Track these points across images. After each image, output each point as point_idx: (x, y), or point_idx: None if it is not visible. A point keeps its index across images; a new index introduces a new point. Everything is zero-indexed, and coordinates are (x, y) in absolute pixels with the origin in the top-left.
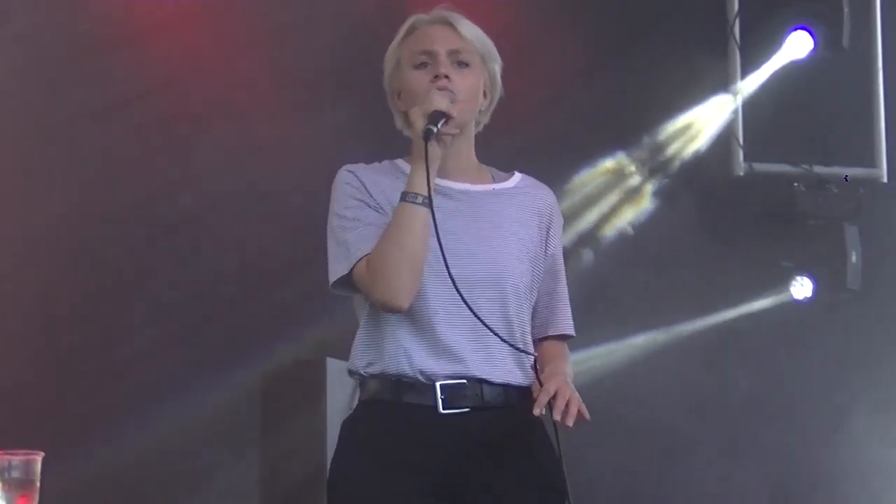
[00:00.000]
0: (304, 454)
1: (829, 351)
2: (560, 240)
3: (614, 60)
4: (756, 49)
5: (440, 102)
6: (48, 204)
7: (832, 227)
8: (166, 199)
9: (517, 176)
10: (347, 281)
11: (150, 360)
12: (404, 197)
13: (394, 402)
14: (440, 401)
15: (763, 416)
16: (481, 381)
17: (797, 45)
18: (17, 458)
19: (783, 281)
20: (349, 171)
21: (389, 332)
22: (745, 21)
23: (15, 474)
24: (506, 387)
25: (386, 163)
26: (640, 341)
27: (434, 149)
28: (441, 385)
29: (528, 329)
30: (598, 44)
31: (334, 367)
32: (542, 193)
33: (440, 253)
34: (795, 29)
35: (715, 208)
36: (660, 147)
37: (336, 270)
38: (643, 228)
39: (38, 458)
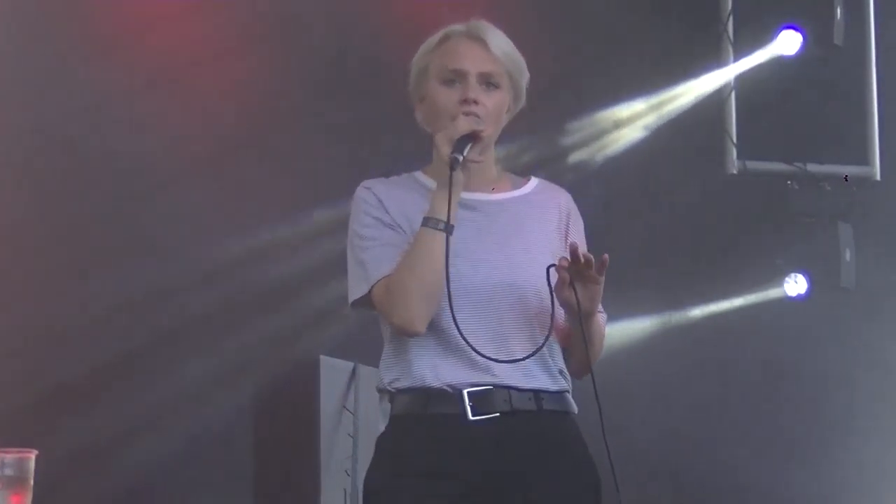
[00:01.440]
0: (297, 451)
1: (825, 347)
2: (581, 236)
3: (610, 56)
4: (749, 46)
5: (466, 126)
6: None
7: (825, 224)
8: (160, 199)
9: (533, 181)
10: (366, 301)
11: (143, 360)
12: (426, 222)
13: (423, 415)
14: (469, 408)
15: (759, 411)
16: (509, 388)
17: (791, 42)
18: (10, 456)
19: (776, 278)
20: (366, 187)
21: (414, 346)
22: (738, 18)
23: (8, 472)
24: (535, 392)
25: (405, 176)
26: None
27: (458, 175)
28: (468, 392)
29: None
30: (593, 41)
31: (327, 365)
32: (558, 195)
33: (453, 265)
34: (787, 27)
35: (708, 206)
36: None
37: (355, 291)
38: (636, 226)
39: (32, 457)
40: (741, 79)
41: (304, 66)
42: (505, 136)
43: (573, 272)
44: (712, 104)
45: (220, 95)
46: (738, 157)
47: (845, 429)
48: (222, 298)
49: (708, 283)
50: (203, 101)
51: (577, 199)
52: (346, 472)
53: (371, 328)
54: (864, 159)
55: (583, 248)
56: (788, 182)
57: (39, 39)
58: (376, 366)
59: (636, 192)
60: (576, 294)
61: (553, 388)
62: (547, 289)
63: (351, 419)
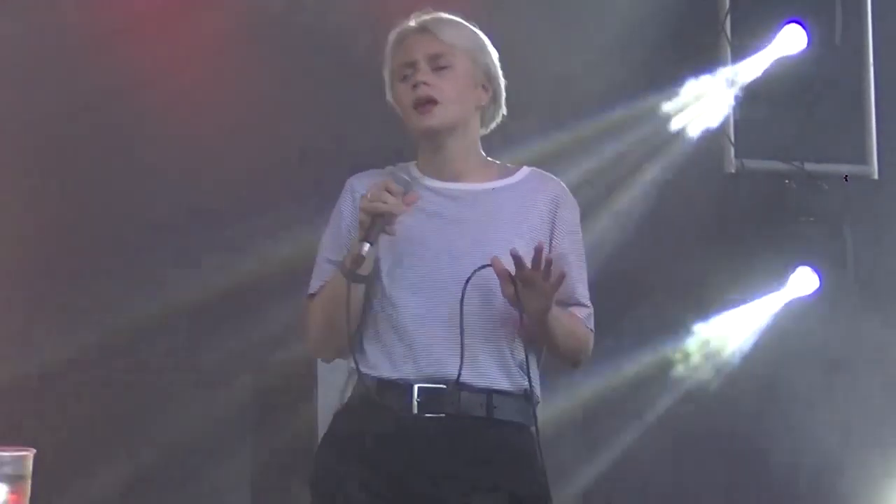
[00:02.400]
0: (295, 452)
1: (829, 346)
2: (572, 227)
3: (607, 55)
4: (747, 44)
5: (374, 208)
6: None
7: (825, 223)
8: (157, 197)
9: (524, 170)
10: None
11: (140, 359)
12: (347, 274)
13: (375, 402)
14: (415, 404)
15: (765, 412)
16: (461, 385)
17: (789, 40)
18: (8, 455)
19: (776, 277)
20: (349, 190)
21: (373, 335)
22: (737, 15)
23: (6, 470)
24: (487, 393)
25: (400, 166)
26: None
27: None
28: (419, 388)
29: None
30: (590, 40)
31: (324, 366)
32: (547, 185)
33: (413, 259)
34: (788, 23)
35: (706, 205)
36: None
37: (310, 286)
38: (634, 226)
39: (30, 455)
40: (739, 78)
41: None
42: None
43: (518, 275)
44: (710, 102)
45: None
46: (736, 155)
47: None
48: (220, 297)
49: (707, 282)
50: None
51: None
52: None
53: None
54: (862, 158)
55: (567, 239)
56: (786, 181)
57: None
58: None
59: (633, 191)
60: (517, 293)
61: (508, 387)
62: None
63: None
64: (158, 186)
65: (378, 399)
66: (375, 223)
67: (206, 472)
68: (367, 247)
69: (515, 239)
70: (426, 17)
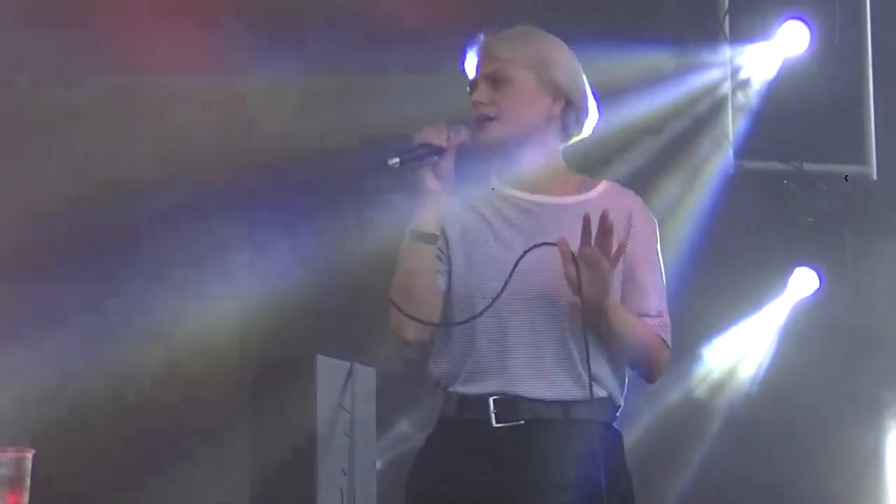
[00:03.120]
0: (294, 451)
1: (831, 345)
2: (646, 240)
3: (606, 51)
4: (746, 44)
5: (422, 135)
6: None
7: (824, 224)
8: (153, 199)
9: (603, 185)
10: None
11: (139, 359)
12: (408, 233)
13: (456, 418)
14: (493, 415)
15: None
16: (533, 399)
17: (789, 39)
18: (7, 456)
19: (776, 278)
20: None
21: (448, 351)
22: (736, 15)
23: (4, 471)
24: (562, 403)
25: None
26: None
27: (429, 182)
28: (494, 400)
29: (596, 342)
30: (588, 37)
31: (324, 364)
32: (623, 200)
33: (489, 270)
34: (788, 19)
35: (705, 206)
36: None
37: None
38: None
39: (29, 456)
40: (738, 78)
41: None
42: None
43: (580, 255)
44: (708, 103)
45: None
46: (735, 156)
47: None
48: (219, 295)
49: (707, 283)
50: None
51: None
52: (342, 471)
53: (367, 327)
54: (861, 158)
55: (640, 249)
56: (785, 181)
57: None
58: (373, 365)
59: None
60: (578, 273)
61: (583, 398)
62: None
63: (348, 418)
64: (153, 186)
65: (458, 415)
66: (419, 148)
67: (205, 471)
68: (397, 159)
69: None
70: (484, 36)
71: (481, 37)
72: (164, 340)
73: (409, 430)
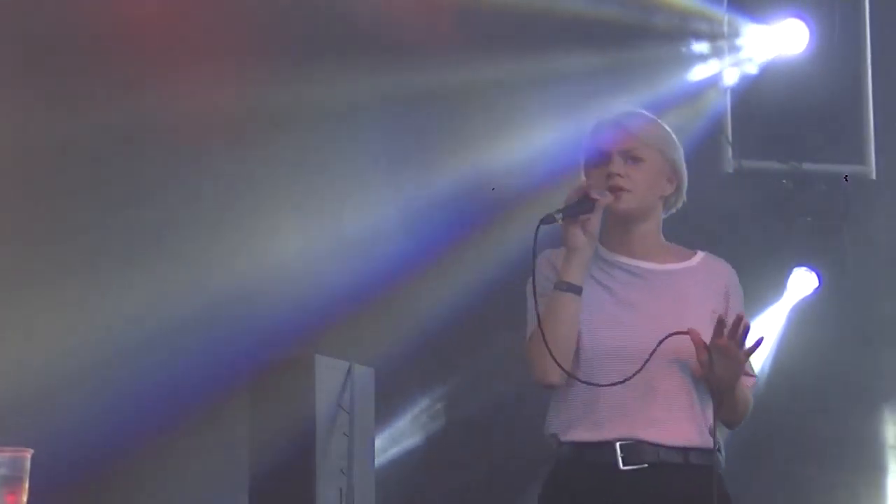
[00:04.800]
0: (293, 451)
1: (831, 345)
2: (740, 308)
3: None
4: (745, 42)
5: (580, 189)
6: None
7: (823, 224)
8: (154, 198)
9: (699, 255)
10: None
11: (137, 358)
12: (556, 285)
13: (577, 462)
14: (619, 458)
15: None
16: (656, 445)
17: (788, 38)
18: (5, 455)
19: (775, 278)
20: (546, 258)
21: (569, 401)
22: (735, 14)
23: (3, 471)
24: (683, 449)
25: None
26: None
27: (577, 237)
28: (620, 444)
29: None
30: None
31: (322, 364)
32: (720, 269)
33: (609, 330)
34: (787, 17)
35: (703, 205)
36: None
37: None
38: None
39: (27, 456)
40: (737, 77)
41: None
42: None
43: (714, 343)
44: (707, 102)
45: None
46: (734, 155)
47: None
48: (217, 296)
49: None
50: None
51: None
52: (341, 471)
53: (366, 327)
54: (860, 158)
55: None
56: (783, 181)
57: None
58: (371, 365)
59: None
60: (710, 360)
61: (703, 445)
62: (695, 357)
63: (346, 418)
64: (158, 183)
65: (580, 459)
66: (580, 203)
67: (204, 468)
68: (560, 215)
69: (703, 319)
70: (621, 114)
71: (619, 112)
72: (165, 340)
73: (408, 430)
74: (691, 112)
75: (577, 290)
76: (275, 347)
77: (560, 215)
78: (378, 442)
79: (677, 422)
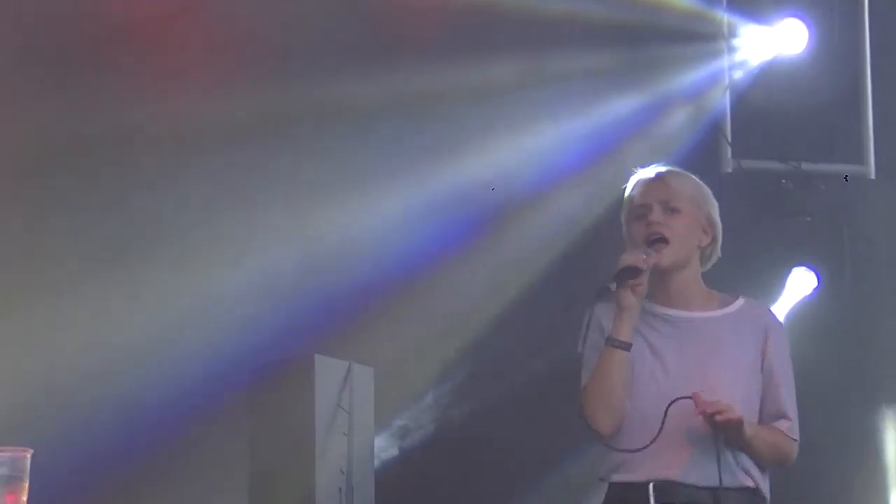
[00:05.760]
0: (293, 450)
1: (830, 344)
2: (781, 351)
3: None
4: (745, 42)
5: (626, 259)
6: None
7: (822, 223)
8: (153, 197)
9: (740, 300)
10: None
11: (139, 358)
12: (608, 341)
13: (622, 501)
14: (652, 498)
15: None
16: (687, 485)
17: (788, 37)
18: (5, 455)
19: (774, 278)
20: (595, 315)
21: (616, 444)
22: (735, 14)
23: (3, 471)
24: (713, 490)
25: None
26: None
27: (629, 299)
28: (653, 484)
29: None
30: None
31: (322, 364)
32: (759, 313)
33: (648, 378)
34: (786, 17)
35: None
36: None
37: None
38: None
39: (27, 455)
40: (736, 76)
41: None
42: None
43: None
44: (706, 103)
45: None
46: (733, 155)
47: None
48: (218, 296)
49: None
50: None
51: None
52: (340, 470)
53: (365, 327)
54: (859, 158)
55: (776, 362)
56: (783, 181)
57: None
58: (370, 364)
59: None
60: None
61: (731, 484)
62: (741, 404)
63: (346, 418)
64: (153, 183)
65: (623, 497)
66: (629, 270)
67: (204, 468)
68: (615, 285)
69: (738, 365)
70: (659, 168)
71: (657, 168)
72: (166, 341)
73: (407, 430)
74: (691, 112)
75: (628, 347)
76: (274, 347)
77: (614, 285)
78: (377, 442)
79: (707, 463)
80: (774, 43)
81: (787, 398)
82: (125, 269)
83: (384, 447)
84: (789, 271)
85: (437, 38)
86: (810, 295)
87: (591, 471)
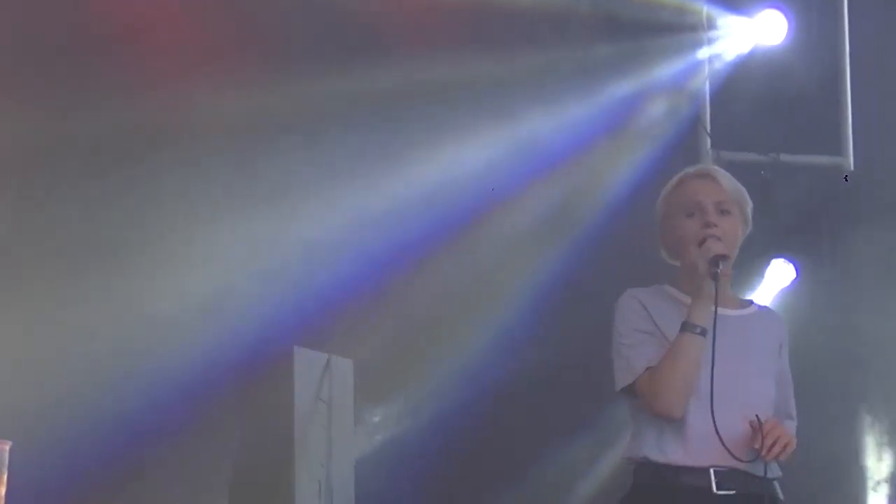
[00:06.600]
0: (272, 443)
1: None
2: (787, 356)
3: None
4: (725, 34)
5: (718, 247)
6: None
7: (801, 215)
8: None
9: (755, 303)
10: (631, 389)
11: (118, 352)
12: (686, 327)
13: (672, 486)
14: (714, 483)
15: None
16: (744, 472)
17: (767, 29)
18: None
19: (753, 269)
20: (632, 296)
21: (669, 430)
22: (715, 6)
23: None
24: (762, 479)
25: (656, 288)
26: None
27: (711, 286)
28: (714, 470)
29: None
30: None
31: (301, 356)
32: (775, 321)
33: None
34: (766, 8)
35: None
36: None
37: (621, 380)
38: (611, 219)
39: (6, 448)
40: (715, 68)
41: None
42: None
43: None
44: (686, 94)
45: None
46: (712, 146)
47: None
48: (198, 289)
49: None
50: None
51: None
52: (320, 463)
53: (345, 320)
54: (838, 149)
55: (786, 362)
56: (762, 172)
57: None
58: (349, 356)
59: (609, 184)
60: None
61: (772, 475)
62: (770, 401)
63: (325, 410)
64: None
65: (675, 480)
66: (716, 260)
67: (183, 462)
68: (721, 266)
69: (764, 364)
70: (705, 166)
71: (706, 166)
72: (147, 337)
73: (386, 423)
74: (670, 104)
75: (705, 333)
76: (254, 340)
77: (718, 269)
78: (357, 435)
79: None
80: (754, 34)
81: (792, 398)
82: (105, 268)
83: (363, 441)
84: (768, 263)
85: (403, 35)
86: (789, 286)
87: (589, 459)
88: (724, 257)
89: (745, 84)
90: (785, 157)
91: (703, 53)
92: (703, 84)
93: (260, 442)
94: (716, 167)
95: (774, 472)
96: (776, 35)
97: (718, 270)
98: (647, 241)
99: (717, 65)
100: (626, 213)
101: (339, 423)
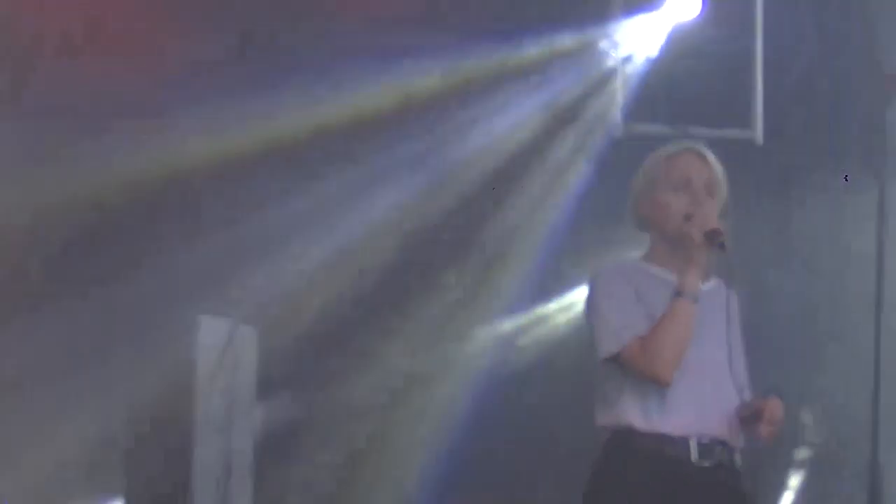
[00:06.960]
0: (172, 410)
1: None
2: (738, 319)
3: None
4: (637, 8)
5: (713, 220)
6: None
7: None
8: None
9: (712, 278)
10: (616, 357)
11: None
12: (681, 294)
13: (652, 454)
14: (696, 453)
15: None
16: (722, 442)
17: (681, 4)
18: None
19: None
20: (613, 268)
21: (653, 398)
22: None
23: None
24: (732, 449)
25: (632, 262)
26: None
27: (707, 257)
28: (696, 441)
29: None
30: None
31: (206, 324)
32: (725, 289)
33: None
34: None
35: (591, 169)
36: None
37: (605, 349)
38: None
39: None
40: (628, 42)
41: None
42: None
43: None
44: (599, 68)
45: None
46: (623, 119)
47: None
48: (106, 257)
49: (600, 244)
50: None
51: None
52: (221, 431)
53: (253, 289)
54: (747, 123)
55: (735, 329)
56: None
57: None
58: (254, 325)
59: (522, 158)
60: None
61: (739, 444)
62: (727, 371)
63: (228, 377)
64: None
65: (659, 449)
66: (712, 238)
67: (81, 426)
68: (721, 242)
69: (725, 343)
70: (696, 144)
71: (697, 144)
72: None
73: (292, 399)
74: (584, 78)
75: (697, 301)
76: (157, 305)
77: (721, 242)
78: (260, 408)
79: (734, 423)
80: (669, 9)
81: (746, 370)
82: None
83: (267, 414)
84: None
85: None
86: None
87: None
88: (719, 231)
89: (657, 59)
90: (694, 130)
91: (616, 29)
92: (616, 57)
93: (160, 407)
94: (704, 149)
95: (742, 441)
96: (690, 10)
97: (723, 241)
98: (550, 212)
99: (630, 38)
100: (535, 184)
101: (242, 392)
